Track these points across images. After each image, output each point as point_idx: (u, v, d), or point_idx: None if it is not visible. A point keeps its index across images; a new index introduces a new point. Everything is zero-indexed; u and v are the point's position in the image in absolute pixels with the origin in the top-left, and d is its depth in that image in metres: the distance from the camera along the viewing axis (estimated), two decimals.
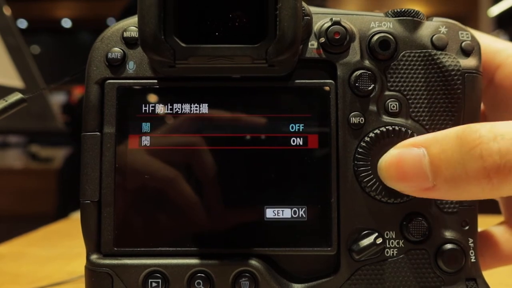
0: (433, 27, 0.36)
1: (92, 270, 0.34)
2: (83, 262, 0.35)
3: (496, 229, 0.42)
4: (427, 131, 0.35)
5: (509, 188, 0.29)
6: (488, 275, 0.36)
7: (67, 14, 5.55)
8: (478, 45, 0.37)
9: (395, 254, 0.35)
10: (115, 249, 0.34)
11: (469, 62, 0.36)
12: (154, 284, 0.34)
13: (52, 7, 5.45)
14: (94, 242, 0.35)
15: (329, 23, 0.35)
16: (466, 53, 0.36)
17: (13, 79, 0.90)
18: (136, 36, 0.35)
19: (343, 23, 0.35)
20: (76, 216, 0.96)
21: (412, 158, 0.31)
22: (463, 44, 0.36)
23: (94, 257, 0.34)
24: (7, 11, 1.00)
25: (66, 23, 5.69)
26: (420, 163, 0.31)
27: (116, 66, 0.35)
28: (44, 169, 3.77)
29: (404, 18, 0.36)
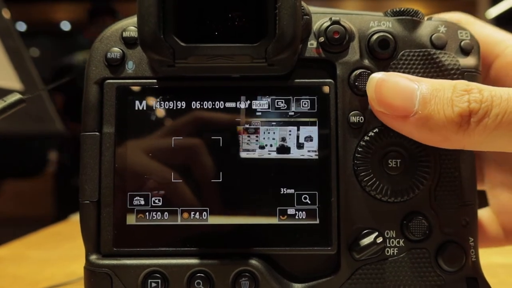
0: (432, 27, 0.36)
1: (91, 271, 0.34)
2: (82, 264, 0.35)
3: (482, 212, 0.43)
4: None
5: (478, 138, 0.30)
6: (488, 274, 0.36)
7: (66, 17, 5.54)
8: (477, 44, 0.37)
9: (395, 253, 0.35)
10: (114, 249, 0.34)
11: (468, 61, 0.36)
12: (153, 284, 0.34)
13: (51, 10, 5.44)
14: (93, 242, 0.34)
15: (329, 23, 0.35)
16: (465, 52, 0.36)
17: (12, 81, 0.90)
18: (136, 36, 0.35)
19: (342, 23, 0.35)
20: (75, 218, 0.95)
21: (406, 84, 0.32)
22: (462, 43, 0.36)
23: (93, 257, 0.34)
24: (6, 14, 1.00)
25: (65, 26, 5.68)
26: (413, 90, 0.32)
27: (115, 66, 0.35)
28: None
29: (403, 17, 0.36)
